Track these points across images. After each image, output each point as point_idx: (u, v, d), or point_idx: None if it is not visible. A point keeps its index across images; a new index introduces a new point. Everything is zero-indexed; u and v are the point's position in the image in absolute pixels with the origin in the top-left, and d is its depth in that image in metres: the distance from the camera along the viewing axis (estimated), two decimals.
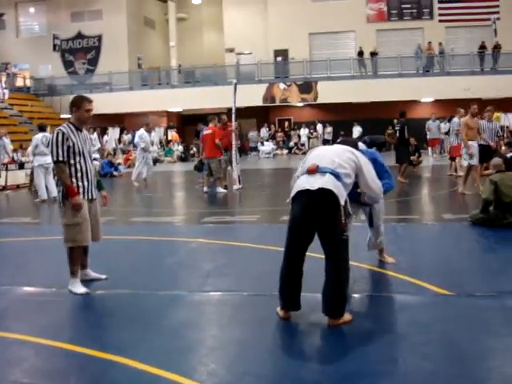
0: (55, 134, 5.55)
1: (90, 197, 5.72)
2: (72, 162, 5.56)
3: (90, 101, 5.80)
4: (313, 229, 4.39)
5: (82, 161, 5.64)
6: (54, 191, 13.53)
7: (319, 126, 32.94)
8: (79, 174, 5.60)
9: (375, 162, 5.59)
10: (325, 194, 4.27)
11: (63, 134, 5.52)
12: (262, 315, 4.69)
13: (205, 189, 14.36)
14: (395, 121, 18.05)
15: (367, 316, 4.74)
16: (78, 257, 5.64)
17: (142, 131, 16.88)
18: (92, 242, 5.79)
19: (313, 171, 4.46)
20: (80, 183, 5.60)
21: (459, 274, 5.85)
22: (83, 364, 3.88)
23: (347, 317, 4.40)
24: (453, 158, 16.23)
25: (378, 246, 6.26)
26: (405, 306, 4.95)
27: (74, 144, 5.55)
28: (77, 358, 3.96)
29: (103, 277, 5.98)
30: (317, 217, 4.32)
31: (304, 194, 4.37)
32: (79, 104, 5.72)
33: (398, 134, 15.37)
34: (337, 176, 4.40)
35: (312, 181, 4.39)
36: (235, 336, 4.37)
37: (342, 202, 4.30)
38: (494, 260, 6.47)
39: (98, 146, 22.65)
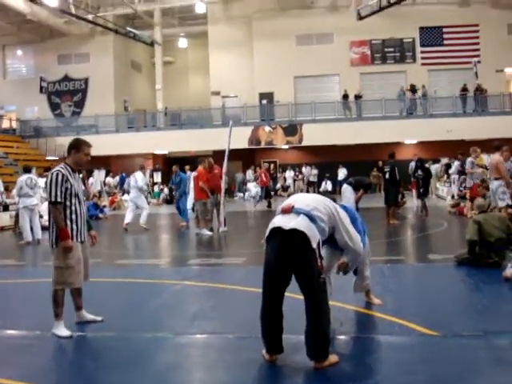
0: (54, 175, 5.58)
1: (82, 239, 5.75)
2: (68, 203, 5.61)
3: (89, 145, 5.92)
4: (288, 272, 4.39)
5: (77, 203, 5.71)
6: (39, 233, 13.48)
7: (307, 170, 32.92)
8: (74, 216, 5.65)
9: None
10: (297, 236, 4.28)
11: (63, 175, 5.58)
12: (248, 358, 4.66)
13: (196, 230, 14.54)
14: (380, 163, 18.12)
15: (353, 358, 4.72)
16: (62, 299, 5.58)
17: (140, 174, 16.43)
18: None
19: (287, 211, 4.49)
20: (74, 226, 5.63)
21: (445, 315, 5.85)
22: None
23: (333, 358, 4.38)
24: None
25: (363, 289, 6.25)
26: (391, 346, 4.93)
27: (71, 186, 5.62)
28: None
29: (99, 319, 5.94)
30: (291, 261, 4.32)
31: (277, 233, 4.38)
32: (79, 147, 5.82)
33: (387, 176, 15.38)
34: (311, 218, 4.42)
35: (286, 220, 4.41)
36: (221, 379, 4.32)
37: (314, 245, 4.29)
38: (480, 299, 6.48)
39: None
